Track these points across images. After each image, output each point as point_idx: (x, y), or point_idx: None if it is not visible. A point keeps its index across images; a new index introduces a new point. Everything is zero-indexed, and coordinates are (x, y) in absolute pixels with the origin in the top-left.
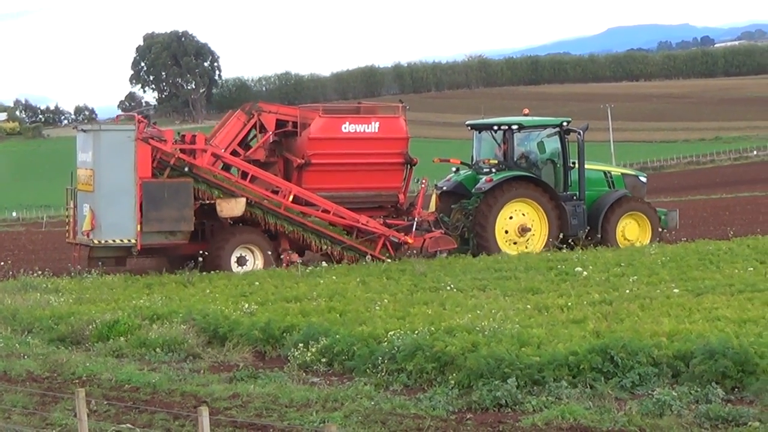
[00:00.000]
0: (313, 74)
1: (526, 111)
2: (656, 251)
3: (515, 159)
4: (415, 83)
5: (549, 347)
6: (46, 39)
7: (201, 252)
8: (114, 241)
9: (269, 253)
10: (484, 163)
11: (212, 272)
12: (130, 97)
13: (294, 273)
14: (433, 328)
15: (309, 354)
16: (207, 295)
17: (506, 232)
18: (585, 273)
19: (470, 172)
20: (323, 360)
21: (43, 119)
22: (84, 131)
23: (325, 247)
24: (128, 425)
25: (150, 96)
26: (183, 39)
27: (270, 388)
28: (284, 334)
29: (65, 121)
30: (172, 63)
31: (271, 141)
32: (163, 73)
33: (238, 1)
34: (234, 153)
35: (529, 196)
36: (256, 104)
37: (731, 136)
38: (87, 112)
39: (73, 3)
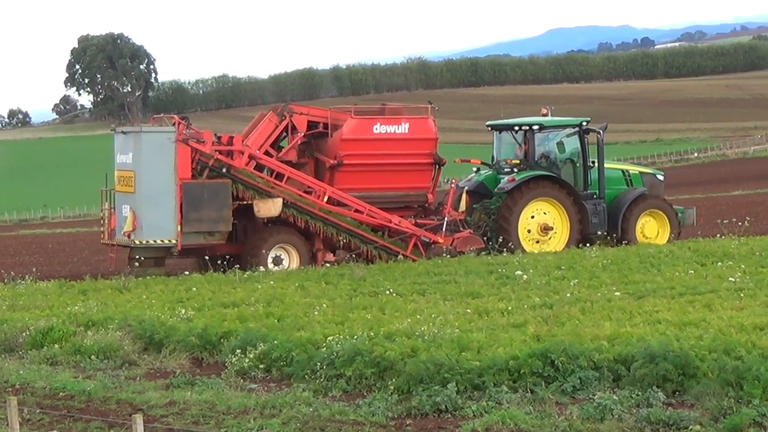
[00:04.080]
0: (251, 77)
1: (544, 111)
2: (597, 254)
3: (536, 159)
4: (354, 85)
5: (489, 352)
6: None
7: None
8: (155, 241)
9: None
10: (505, 163)
11: (153, 278)
12: (65, 100)
13: (232, 278)
14: (372, 333)
15: (247, 360)
16: (143, 301)
17: (528, 231)
18: (525, 277)
19: (491, 172)
20: (261, 366)
21: None
22: (124, 133)
23: (360, 246)
24: None
25: (85, 99)
26: (118, 41)
27: (207, 395)
28: (221, 340)
29: None
30: (108, 65)
31: (300, 142)
32: (99, 76)
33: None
34: (267, 154)
35: (550, 195)
36: (287, 106)
37: (672, 138)
38: (21, 116)
39: (4, 4)
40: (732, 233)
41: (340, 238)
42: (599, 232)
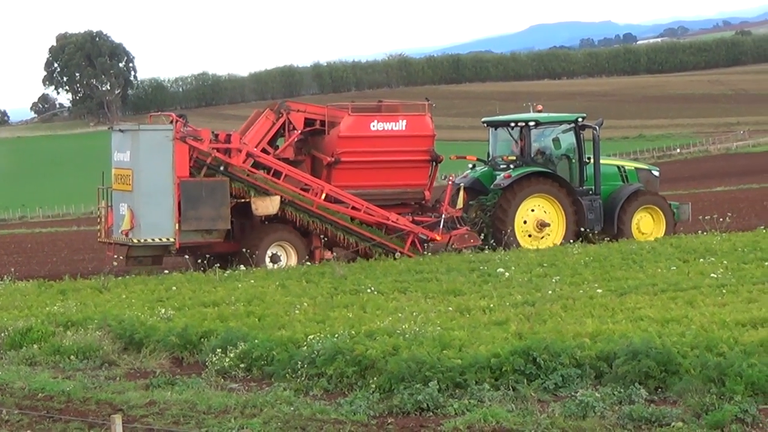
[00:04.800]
0: (231, 74)
1: (540, 107)
2: (579, 251)
3: (532, 155)
4: (335, 83)
5: (471, 349)
6: None
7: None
8: (153, 240)
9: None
10: (501, 159)
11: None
12: (44, 98)
13: (212, 277)
14: (353, 332)
15: (227, 359)
16: (123, 300)
17: (525, 225)
18: (507, 274)
19: (486, 169)
20: (242, 365)
21: None
22: (121, 131)
23: (357, 244)
24: None
25: (64, 97)
26: (97, 39)
27: (187, 394)
28: (202, 340)
29: None
30: (87, 64)
31: (297, 140)
32: (77, 74)
33: (153, 1)
34: (263, 152)
35: (546, 191)
36: (284, 103)
37: (654, 135)
38: None
39: None
40: (714, 229)
41: (338, 235)
42: (595, 228)
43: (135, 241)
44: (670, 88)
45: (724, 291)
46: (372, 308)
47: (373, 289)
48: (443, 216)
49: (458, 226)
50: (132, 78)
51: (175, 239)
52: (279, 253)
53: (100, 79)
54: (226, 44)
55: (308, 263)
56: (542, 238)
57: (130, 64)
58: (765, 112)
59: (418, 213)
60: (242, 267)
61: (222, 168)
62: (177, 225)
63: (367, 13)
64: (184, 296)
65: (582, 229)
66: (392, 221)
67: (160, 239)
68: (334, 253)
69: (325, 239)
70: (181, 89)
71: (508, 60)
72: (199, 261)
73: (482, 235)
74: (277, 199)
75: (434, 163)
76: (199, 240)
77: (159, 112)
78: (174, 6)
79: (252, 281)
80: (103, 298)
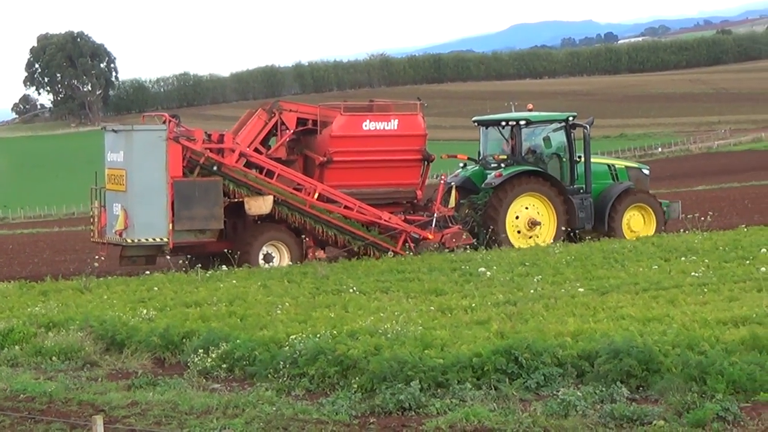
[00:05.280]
0: (213, 74)
1: (530, 106)
2: (561, 250)
3: (523, 154)
4: (317, 83)
5: (453, 349)
6: None
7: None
8: (147, 240)
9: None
10: (492, 158)
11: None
12: (25, 99)
13: (194, 278)
14: (335, 332)
15: (209, 360)
16: (104, 301)
17: (517, 220)
18: (489, 273)
19: (477, 168)
20: (224, 366)
21: None
22: (114, 131)
23: (350, 243)
24: None
25: (45, 98)
26: (78, 40)
27: (169, 395)
28: (184, 340)
29: None
30: (68, 64)
31: (289, 139)
32: (59, 75)
33: (134, 2)
34: (256, 151)
35: (537, 190)
36: (277, 103)
37: (636, 134)
38: None
39: None
40: (696, 228)
41: (331, 234)
42: (586, 227)
43: (129, 241)
44: (651, 87)
45: (705, 290)
46: (354, 308)
47: (355, 288)
48: (435, 215)
49: (450, 225)
50: (113, 78)
51: (168, 239)
52: (272, 253)
53: (81, 80)
54: (208, 44)
55: (298, 262)
56: (530, 237)
57: (112, 65)
58: (746, 111)
59: (410, 212)
60: (224, 267)
61: (215, 168)
62: (170, 225)
63: (348, 13)
64: (165, 297)
65: (568, 230)
66: (385, 220)
67: (154, 239)
68: (327, 253)
69: (319, 238)
70: (162, 90)
71: (489, 59)
72: (183, 260)
73: (475, 233)
74: (270, 198)
75: (426, 163)
76: (192, 240)
77: (153, 113)
78: (155, 6)
79: (234, 281)
80: (84, 298)
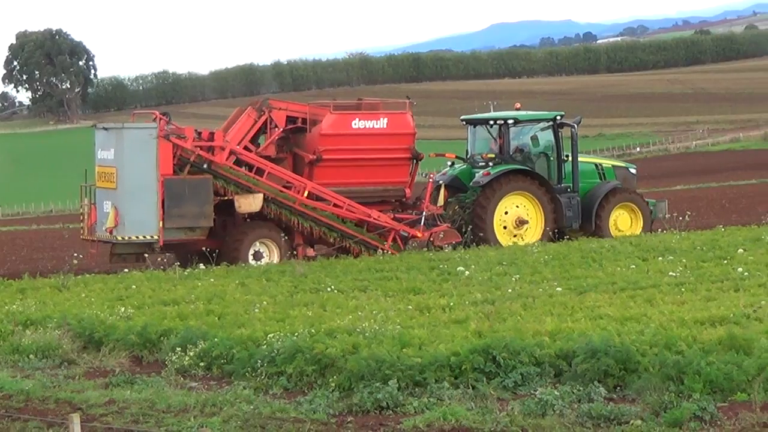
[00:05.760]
0: (192, 73)
1: (518, 105)
2: (539, 249)
3: (510, 153)
4: (296, 81)
5: (430, 348)
6: None
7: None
8: (137, 237)
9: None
10: (480, 157)
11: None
12: (3, 97)
13: (172, 276)
14: (313, 330)
15: (187, 358)
16: (82, 299)
17: (504, 219)
18: (467, 272)
19: (465, 166)
20: (201, 364)
21: None
22: (105, 129)
23: (339, 241)
24: None
25: (24, 96)
26: (57, 37)
27: (147, 393)
28: (161, 338)
29: None
30: (46, 62)
31: (278, 137)
32: (37, 72)
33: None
34: (246, 149)
35: (525, 189)
36: (266, 101)
37: (614, 133)
38: None
39: None
40: (673, 228)
41: (320, 232)
42: (573, 226)
43: (119, 238)
44: (629, 87)
45: (682, 289)
46: (332, 307)
47: (333, 287)
48: (424, 213)
49: (439, 223)
50: (92, 76)
51: (158, 236)
52: (262, 251)
53: (60, 78)
54: (187, 42)
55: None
56: (515, 236)
57: (90, 63)
58: (724, 111)
59: (399, 210)
60: (202, 266)
61: (205, 166)
62: (161, 222)
63: (327, 11)
64: (143, 295)
65: (553, 231)
66: (374, 218)
67: (144, 236)
68: (317, 251)
69: (309, 236)
70: (141, 87)
71: (468, 58)
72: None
73: (463, 232)
74: (260, 196)
75: (415, 161)
76: (182, 237)
77: (143, 110)
78: (134, 4)
79: (212, 280)
80: (62, 296)
